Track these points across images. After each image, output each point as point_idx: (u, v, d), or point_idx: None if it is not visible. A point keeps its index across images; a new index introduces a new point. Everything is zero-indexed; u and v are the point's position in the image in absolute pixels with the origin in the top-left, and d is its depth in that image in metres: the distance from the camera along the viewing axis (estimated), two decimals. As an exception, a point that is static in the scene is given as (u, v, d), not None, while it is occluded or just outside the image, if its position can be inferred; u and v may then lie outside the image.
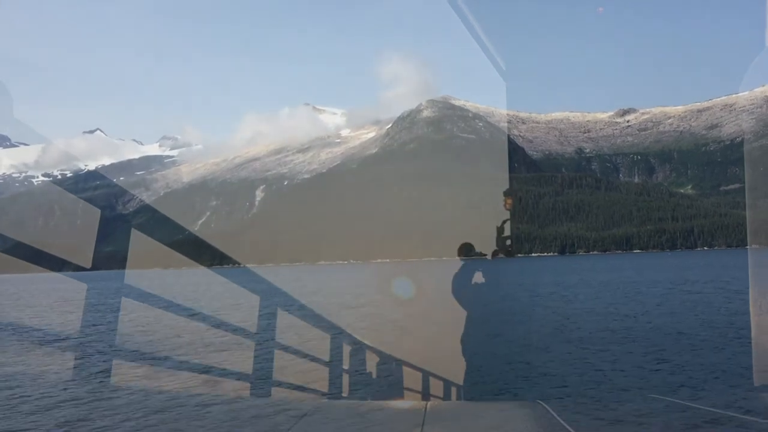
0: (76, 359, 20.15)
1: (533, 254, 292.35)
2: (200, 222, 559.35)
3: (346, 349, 11.40)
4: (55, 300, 59.12)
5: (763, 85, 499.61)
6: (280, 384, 11.00)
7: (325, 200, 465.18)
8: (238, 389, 12.90)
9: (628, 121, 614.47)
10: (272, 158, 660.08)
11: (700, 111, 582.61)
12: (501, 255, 8.41)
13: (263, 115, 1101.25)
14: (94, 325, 31.45)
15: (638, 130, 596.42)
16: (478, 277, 8.44)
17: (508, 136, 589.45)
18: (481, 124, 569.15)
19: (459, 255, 8.96)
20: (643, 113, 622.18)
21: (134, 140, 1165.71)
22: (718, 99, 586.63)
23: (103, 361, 20.12)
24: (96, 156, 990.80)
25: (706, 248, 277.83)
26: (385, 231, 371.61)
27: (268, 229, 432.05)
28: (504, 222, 8.18)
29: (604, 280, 70.63)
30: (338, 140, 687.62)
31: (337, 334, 12.23)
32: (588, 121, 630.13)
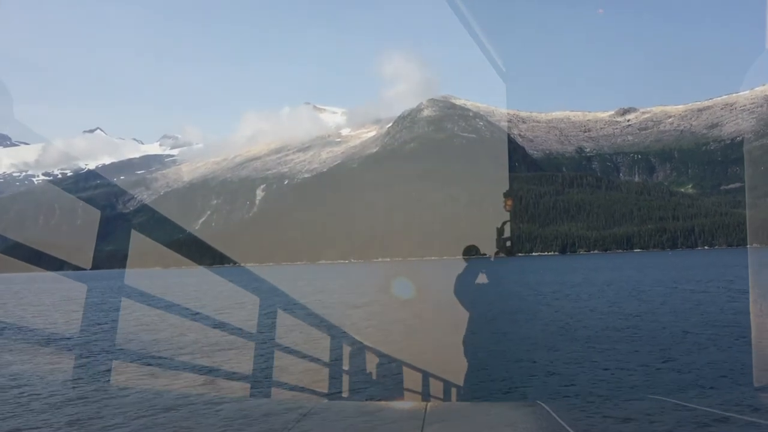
0: (82, 358, 20.24)
1: (534, 253, 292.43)
2: (201, 221, 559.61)
3: (347, 350, 11.40)
4: (57, 299, 59.17)
5: (764, 85, 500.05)
6: (280, 384, 11.01)
7: (325, 199, 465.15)
8: (239, 389, 12.92)
9: (628, 121, 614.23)
10: (273, 157, 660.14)
11: (700, 110, 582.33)
12: (501, 254, 8.41)
13: (264, 114, 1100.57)
14: (98, 324, 31.52)
15: (639, 129, 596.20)
16: (482, 278, 8.44)
17: (509, 135, 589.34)
18: (481, 123, 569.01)
19: (463, 255, 8.97)
20: (643, 112, 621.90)
21: (134, 139, 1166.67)
22: (719, 98, 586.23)
23: (108, 361, 20.25)
24: (96, 155, 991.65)
25: (706, 247, 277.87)
26: (386, 230, 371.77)
27: (268, 228, 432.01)
28: (504, 223, 8.19)
29: (606, 279, 70.64)
30: (339, 139, 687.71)
31: (338, 334, 12.24)
32: (588, 120, 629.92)
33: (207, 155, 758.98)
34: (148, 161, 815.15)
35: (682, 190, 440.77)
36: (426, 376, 10.34)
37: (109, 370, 17.85)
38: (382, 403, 8.60)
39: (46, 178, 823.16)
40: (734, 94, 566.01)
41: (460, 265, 9.29)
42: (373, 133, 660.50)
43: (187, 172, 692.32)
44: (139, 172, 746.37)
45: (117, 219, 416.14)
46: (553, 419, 5.42)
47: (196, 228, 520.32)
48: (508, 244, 8.27)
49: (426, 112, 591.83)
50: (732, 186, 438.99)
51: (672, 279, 64.80)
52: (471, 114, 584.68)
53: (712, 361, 18.33)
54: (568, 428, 5.05)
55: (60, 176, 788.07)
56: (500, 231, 8.31)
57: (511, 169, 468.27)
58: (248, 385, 11.73)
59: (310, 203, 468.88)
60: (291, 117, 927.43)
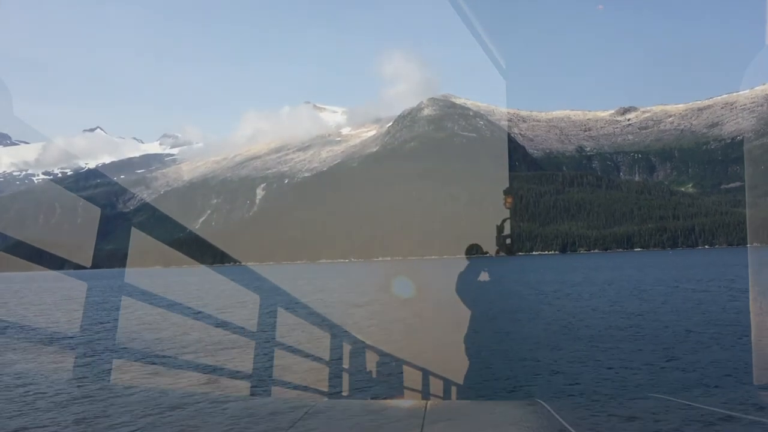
0: (86, 356, 20.32)
1: (534, 252, 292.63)
2: (201, 220, 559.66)
3: (347, 349, 11.41)
4: (58, 298, 59.19)
5: (764, 84, 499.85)
6: (280, 383, 11.02)
7: (325, 198, 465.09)
8: (242, 387, 12.93)
9: (628, 120, 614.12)
10: (273, 156, 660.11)
11: (700, 109, 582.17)
12: (502, 253, 8.42)
13: (264, 113, 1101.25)
14: (100, 323, 31.58)
15: (639, 128, 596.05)
16: (484, 276, 8.47)
17: (509, 134, 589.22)
18: (481, 122, 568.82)
19: (466, 254, 8.99)
20: (643, 111, 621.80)
21: (134, 138, 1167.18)
22: (719, 97, 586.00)
23: (112, 359, 20.38)
24: (96, 154, 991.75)
25: (707, 246, 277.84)
26: (386, 229, 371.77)
27: (268, 227, 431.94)
28: (504, 221, 8.21)
29: (607, 278, 70.61)
30: (339, 138, 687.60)
31: (338, 333, 12.24)
32: (589, 119, 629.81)
33: (207, 154, 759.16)
34: (148, 160, 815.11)
35: (683, 189, 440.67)
36: (426, 374, 10.36)
37: (113, 369, 17.91)
38: (383, 401, 8.61)
39: (47, 177, 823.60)
40: (734, 93, 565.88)
41: (460, 264, 9.30)
42: (373, 133, 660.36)
43: (187, 171, 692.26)
44: (139, 171, 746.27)
45: (117, 218, 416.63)
46: (553, 418, 5.41)
47: (197, 227, 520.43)
48: (508, 241, 8.29)
49: (426, 111, 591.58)
50: (732, 185, 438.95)
51: (673, 278, 64.77)
52: (471, 113, 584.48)
53: (715, 359, 18.27)
54: (568, 427, 5.03)
55: (60, 175, 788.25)
56: (500, 228, 8.32)
57: (512, 168, 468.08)
58: (250, 384, 11.72)
59: (311, 202, 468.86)
60: (291, 116, 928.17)
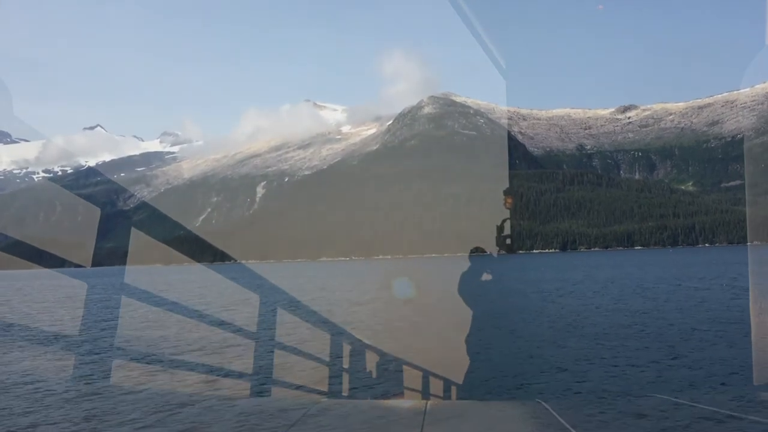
0: (92, 354, 20.42)
1: (535, 251, 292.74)
2: (201, 218, 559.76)
3: (348, 348, 11.41)
4: (61, 296, 59.17)
5: (764, 82, 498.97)
6: (280, 383, 11.03)
7: (325, 197, 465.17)
8: (240, 387, 12.95)
9: (629, 118, 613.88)
10: (273, 154, 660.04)
11: (701, 108, 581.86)
12: (502, 252, 8.45)
13: (264, 111, 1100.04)
14: (104, 321, 31.64)
15: (639, 126, 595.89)
16: (486, 276, 8.49)
17: (509, 132, 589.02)
18: (482, 120, 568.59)
19: (470, 255, 9.02)
20: (644, 110, 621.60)
21: (135, 136, 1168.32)
22: (719, 96, 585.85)
23: (118, 357, 20.48)
24: (96, 152, 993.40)
25: (707, 245, 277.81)
26: (387, 227, 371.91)
27: (269, 225, 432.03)
28: (504, 221, 8.22)
29: (608, 276, 70.59)
30: (339, 137, 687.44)
31: (339, 332, 12.24)
32: (589, 117, 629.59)
33: (207, 152, 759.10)
34: (149, 158, 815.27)
35: (683, 187, 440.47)
36: (426, 374, 10.36)
37: (120, 366, 17.99)
38: (383, 401, 8.61)
39: (47, 175, 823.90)
40: (735, 92, 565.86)
41: (461, 262, 9.30)
42: (373, 131, 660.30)
43: (188, 169, 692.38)
44: (139, 169, 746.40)
45: (117, 216, 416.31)
46: (553, 417, 5.39)
47: (197, 225, 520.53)
48: (508, 241, 8.30)
49: (426, 110, 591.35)
50: (732, 183, 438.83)
51: (674, 276, 64.76)
52: (471, 111, 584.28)
53: (720, 357, 18.18)
54: (569, 427, 5.01)
55: (60, 173, 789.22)
56: (500, 228, 8.34)
57: (512, 166, 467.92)
58: (250, 384, 11.74)
59: (311, 200, 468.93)
60: (291, 114, 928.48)
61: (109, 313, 35.18)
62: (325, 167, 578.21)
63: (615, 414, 5.46)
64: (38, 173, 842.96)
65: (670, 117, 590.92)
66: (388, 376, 11.88)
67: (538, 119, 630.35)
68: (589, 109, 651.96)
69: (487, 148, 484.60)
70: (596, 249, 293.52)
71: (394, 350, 13.97)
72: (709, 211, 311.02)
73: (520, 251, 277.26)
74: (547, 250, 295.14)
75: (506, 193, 9.36)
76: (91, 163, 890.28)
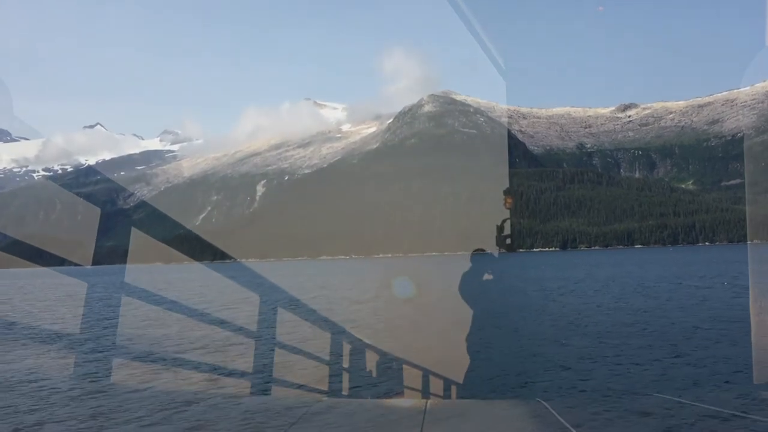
0: (96, 352, 20.49)
1: (535, 249, 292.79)
2: (201, 217, 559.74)
3: (347, 348, 11.39)
4: (62, 294, 59.16)
5: (765, 81, 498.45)
6: (281, 382, 11.03)
7: (325, 195, 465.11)
8: (240, 387, 12.97)
9: (629, 117, 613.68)
10: (273, 153, 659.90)
11: (701, 106, 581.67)
12: (502, 250, 8.46)
13: (264, 109, 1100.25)
14: (107, 319, 31.60)
15: (639, 125, 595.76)
16: (487, 277, 8.49)
17: (509, 131, 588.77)
18: (482, 119, 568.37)
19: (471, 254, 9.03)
20: (644, 108, 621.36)
21: (135, 135, 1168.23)
22: (720, 94, 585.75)
23: (122, 355, 20.50)
24: (96, 151, 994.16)
25: (707, 243, 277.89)
26: (386, 226, 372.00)
27: (269, 224, 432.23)
28: (504, 221, 8.22)
29: (609, 275, 70.53)
30: (339, 135, 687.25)
31: (339, 331, 12.25)
32: (589, 116, 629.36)
33: (207, 151, 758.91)
34: (149, 157, 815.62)
35: (683, 186, 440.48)
36: (426, 373, 10.35)
37: (123, 364, 18.05)
38: (383, 401, 8.61)
39: (47, 173, 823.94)
40: (735, 90, 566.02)
41: (461, 261, 9.29)
42: (373, 129, 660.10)
43: (188, 167, 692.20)
44: (139, 167, 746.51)
45: (117, 215, 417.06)
46: (554, 417, 5.37)
47: (197, 224, 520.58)
48: (508, 241, 8.31)
49: (426, 108, 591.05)
50: (733, 182, 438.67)
51: (675, 275, 64.73)
52: (471, 110, 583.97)
53: (724, 356, 18.07)
54: (568, 426, 4.99)
55: (60, 172, 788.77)
56: (500, 228, 8.34)
57: (512, 164, 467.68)
58: (248, 383, 11.75)
59: (311, 199, 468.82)
60: (291, 113, 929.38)
61: (111, 311, 35.15)
62: (325, 166, 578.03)
63: (616, 413, 5.42)
64: (38, 172, 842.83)
65: (671, 115, 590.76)
66: (389, 375, 11.89)
67: (539, 118, 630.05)
68: (590, 107, 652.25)
69: (487, 146, 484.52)
70: (596, 247, 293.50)
71: (394, 349, 13.97)
72: (709, 210, 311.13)
73: (521, 250, 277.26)
74: (547, 249, 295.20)
75: (506, 192, 9.36)
76: (91, 161, 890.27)
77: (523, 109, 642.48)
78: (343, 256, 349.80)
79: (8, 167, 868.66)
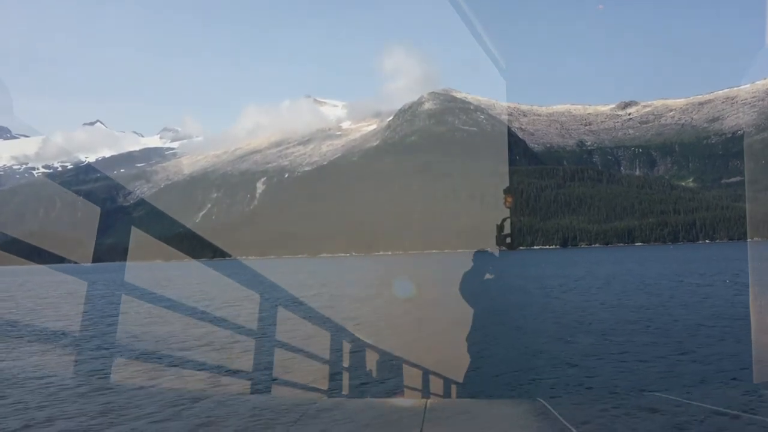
0: (101, 349, 20.49)
1: (535, 247, 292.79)
2: (201, 214, 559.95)
3: (347, 347, 11.37)
4: (63, 291, 59.11)
5: (765, 78, 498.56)
6: (281, 381, 11.01)
7: (326, 193, 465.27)
8: (246, 383, 12.96)
9: (629, 114, 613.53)
10: (273, 150, 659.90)
11: (701, 104, 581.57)
12: (503, 248, 8.44)
13: (264, 107, 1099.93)
14: (109, 316, 31.54)
15: (640, 122, 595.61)
16: (488, 275, 8.48)
17: (510, 128, 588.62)
18: (482, 116, 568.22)
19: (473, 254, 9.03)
20: (644, 106, 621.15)
21: (134, 132, 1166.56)
22: (720, 92, 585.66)
23: (126, 352, 20.69)
24: (96, 148, 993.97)
25: (707, 241, 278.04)
26: (387, 223, 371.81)
27: (269, 221, 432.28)
28: (504, 220, 8.19)
29: (610, 272, 70.45)
30: (339, 133, 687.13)
31: (339, 330, 12.21)
32: (589, 113, 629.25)
33: (207, 148, 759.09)
34: (149, 154, 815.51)
35: (683, 183, 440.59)
36: (426, 373, 10.32)
37: (130, 362, 18.10)
38: (383, 400, 8.58)
39: (47, 171, 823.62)
40: (735, 88, 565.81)
41: (461, 258, 9.27)
42: (373, 127, 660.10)
43: (188, 165, 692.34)
44: (139, 165, 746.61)
45: (117, 212, 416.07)
46: (553, 416, 5.36)
47: (197, 221, 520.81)
48: (508, 240, 8.28)
49: (427, 106, 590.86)
50: (733, 180, 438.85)
51: (675, 272, 64.72)
52: (472, 107, 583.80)
53: (729, 353, 18.06)
54: (568, 425, 4.97)
55: (60, 169, 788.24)
56: (500, 228, 8.31)
57: (512, 162, 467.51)
58: (248, 383, 11.75)
59: (311, 196, 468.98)
60: (291, 110, 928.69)
61: (114, 308, 35.09)
62: (325, 163, 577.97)
63: (614, 412, 5.38)
64: (38, 169, 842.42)
65: (671, 113, 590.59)
66: (389, 375, 11.87)
67: (539, 115, 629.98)
68: (590, 105, 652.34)
69: (487, 144, 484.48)
70: (597, 245, 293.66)
71: (394, 348, 13.97)
72: (709, 208, 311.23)
73: (521, 247, 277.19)
74: (547, 247, 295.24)
75: (506, 191, 9.30)
76: (91, 159, 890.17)
77: (524, 107, 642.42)
78: (343, 254, 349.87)
79: (8, 164, 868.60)
